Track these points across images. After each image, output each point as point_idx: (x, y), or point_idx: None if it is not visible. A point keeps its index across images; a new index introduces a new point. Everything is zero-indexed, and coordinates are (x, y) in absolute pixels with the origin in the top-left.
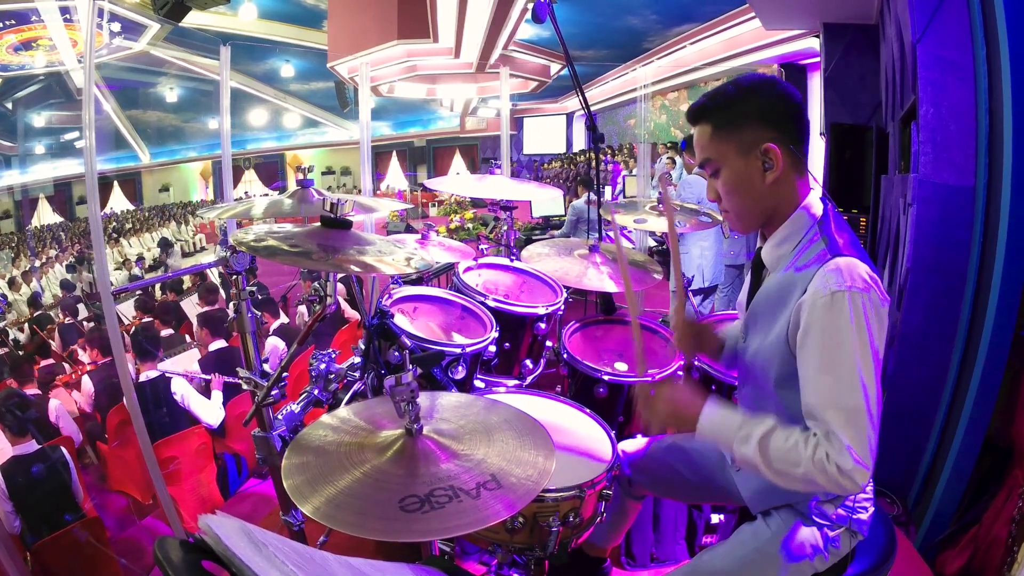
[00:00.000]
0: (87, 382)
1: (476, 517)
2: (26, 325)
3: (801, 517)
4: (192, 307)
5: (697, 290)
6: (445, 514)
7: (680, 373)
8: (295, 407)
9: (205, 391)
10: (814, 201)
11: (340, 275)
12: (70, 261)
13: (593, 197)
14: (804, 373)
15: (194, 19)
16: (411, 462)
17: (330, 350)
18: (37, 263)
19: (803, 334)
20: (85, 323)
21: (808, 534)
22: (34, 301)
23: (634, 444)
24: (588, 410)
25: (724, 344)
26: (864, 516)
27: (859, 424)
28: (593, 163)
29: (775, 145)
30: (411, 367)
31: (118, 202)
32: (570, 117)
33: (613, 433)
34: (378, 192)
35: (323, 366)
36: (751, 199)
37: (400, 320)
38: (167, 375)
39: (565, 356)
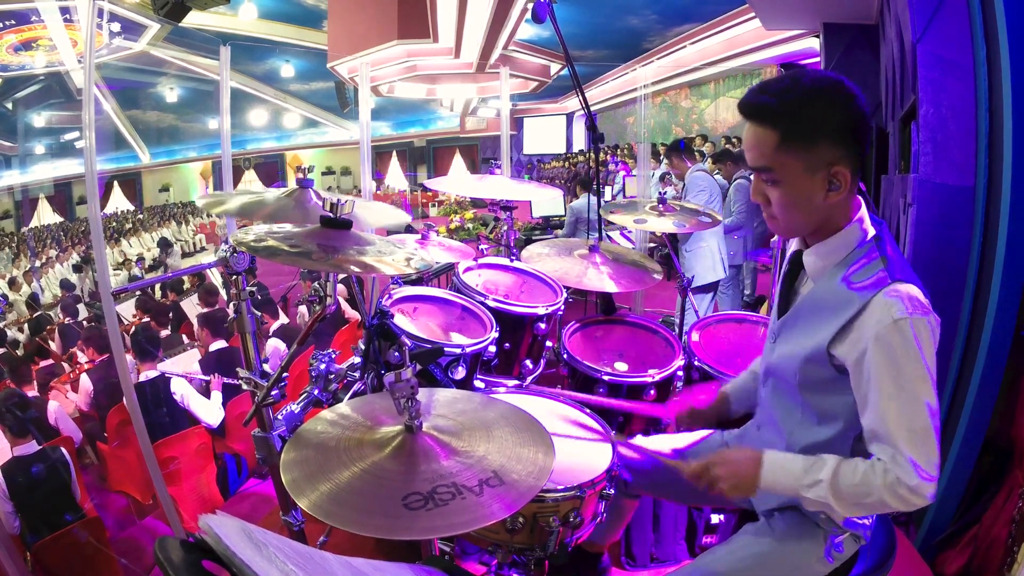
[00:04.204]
0: (85, 380)
1: (480, 514)
2: (25, 326)
3: (807, 521)
4: (192, 307)
5: (699, 288)
6: (449, 511)
7: (680, 374)
8: (295, 407)
9: (205, 391)
10: (865, 216)
11: (340, 275)
12: (76, 261)
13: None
14: (868, 397)
15: (194, 19)
16: (411, 459)
17: (330, 350)
18: (37, 263)
19: (866, 359)
20: (85, 323)
21: (813, 538)
22: (33, 301)
23: (629, 445)
24: (588, 410)
25: (730, 402)
26: (868, 520)
27: (926, 443)
28: (592, 163)
29: (844, 168)
30: (411, 364)
31: (118, 202)
32: (570, 117)
33: (613, 433)
34: (378, 192)
35: (323, 366)
36: (806, 214)
37: (400, 320)
38: (167, 375)
39: (565, 356)
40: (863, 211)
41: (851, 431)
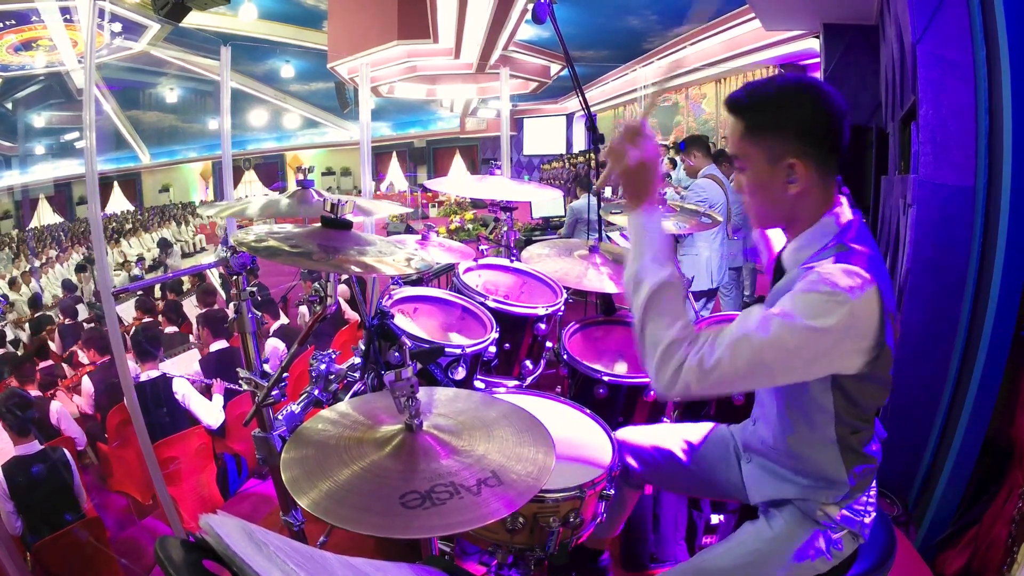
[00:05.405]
0: (87, 383)
1: (477, 514)
2: (26, 325)
3: (804, 518)
4: (192, 308)
5: (699, 292)
6: (446, 511)
7: None
8: (295, 407)
9: (206, 392)
10: (844, 210)
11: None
12: (79, 261)
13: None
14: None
15: (194, 19)
16: (411, 458)
17: (330, 351)
18: (37, 263)
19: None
20: (85, 324)
21: (811, 535)
22: (35, 302)
23: (635, 433)
24: (588, 411)
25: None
26: (867, 519)
27: (747, 369)
28: (592, 163)
29: (800, 162)
30: (411, 363)
31: (118, 202)
32: (570, 118)
33: (613, 434)
34: (378, 192)
35: (323, 367)
36: (771, 203)
37: (400, 321)
38: (168, 376)
39: (565, 357)
40: (841, 208)
41: (834, 427)
